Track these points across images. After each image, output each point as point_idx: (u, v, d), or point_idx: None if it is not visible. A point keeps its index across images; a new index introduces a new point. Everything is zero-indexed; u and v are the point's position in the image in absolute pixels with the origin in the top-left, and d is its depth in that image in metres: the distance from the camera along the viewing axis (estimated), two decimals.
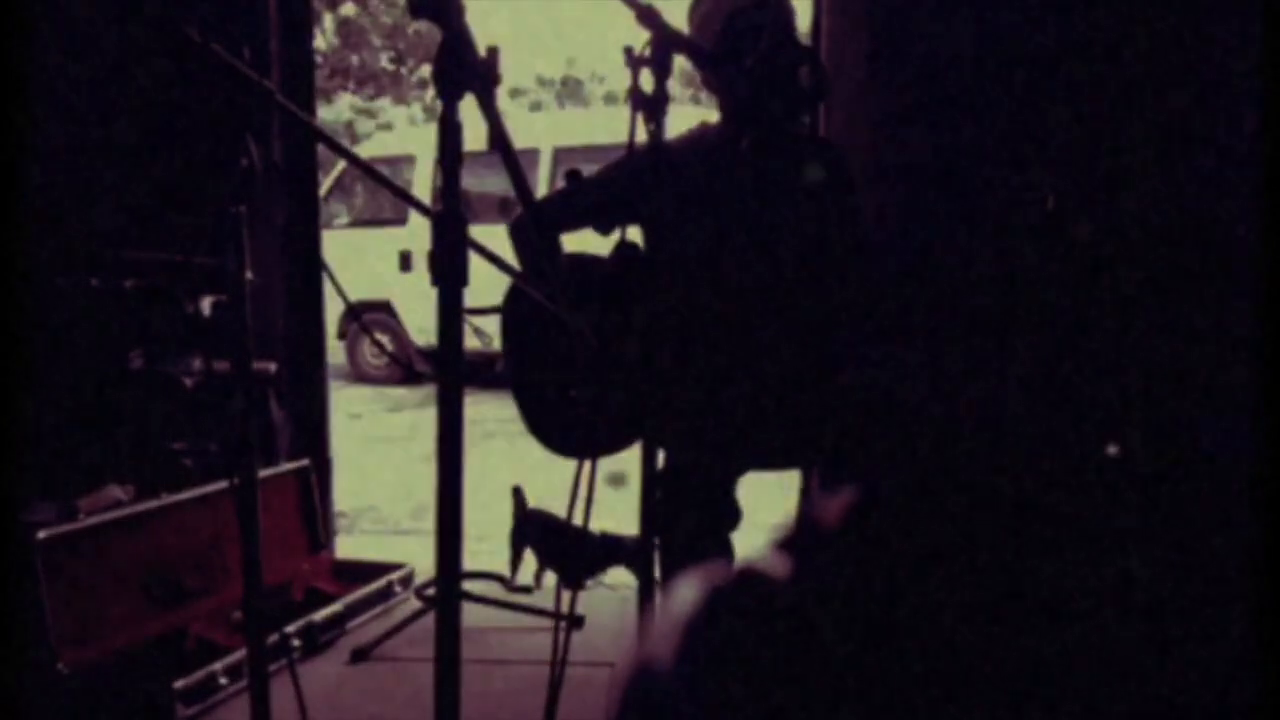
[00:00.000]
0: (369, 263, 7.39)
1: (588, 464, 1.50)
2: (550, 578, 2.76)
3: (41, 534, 2.08)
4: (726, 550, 1.94)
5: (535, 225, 2.02)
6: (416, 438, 6.12)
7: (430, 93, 6.43)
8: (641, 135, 1.41)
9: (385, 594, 2.83)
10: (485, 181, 7.12)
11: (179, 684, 2.09)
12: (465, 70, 1.10)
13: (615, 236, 1.98)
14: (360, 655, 2.49)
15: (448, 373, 1.15)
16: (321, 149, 5.63)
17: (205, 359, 2.68)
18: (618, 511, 2.16)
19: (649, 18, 1.38)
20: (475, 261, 1.19)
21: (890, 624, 0.47)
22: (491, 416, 6.02)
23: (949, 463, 0.55)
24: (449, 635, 1.17)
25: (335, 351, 7.34)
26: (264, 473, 2.57)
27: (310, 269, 3.11)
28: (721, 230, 2.02)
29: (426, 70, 13.95)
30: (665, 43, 1.39)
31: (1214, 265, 2.30)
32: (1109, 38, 2.57)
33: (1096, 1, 2.60)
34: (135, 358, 2.62)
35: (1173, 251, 2.34)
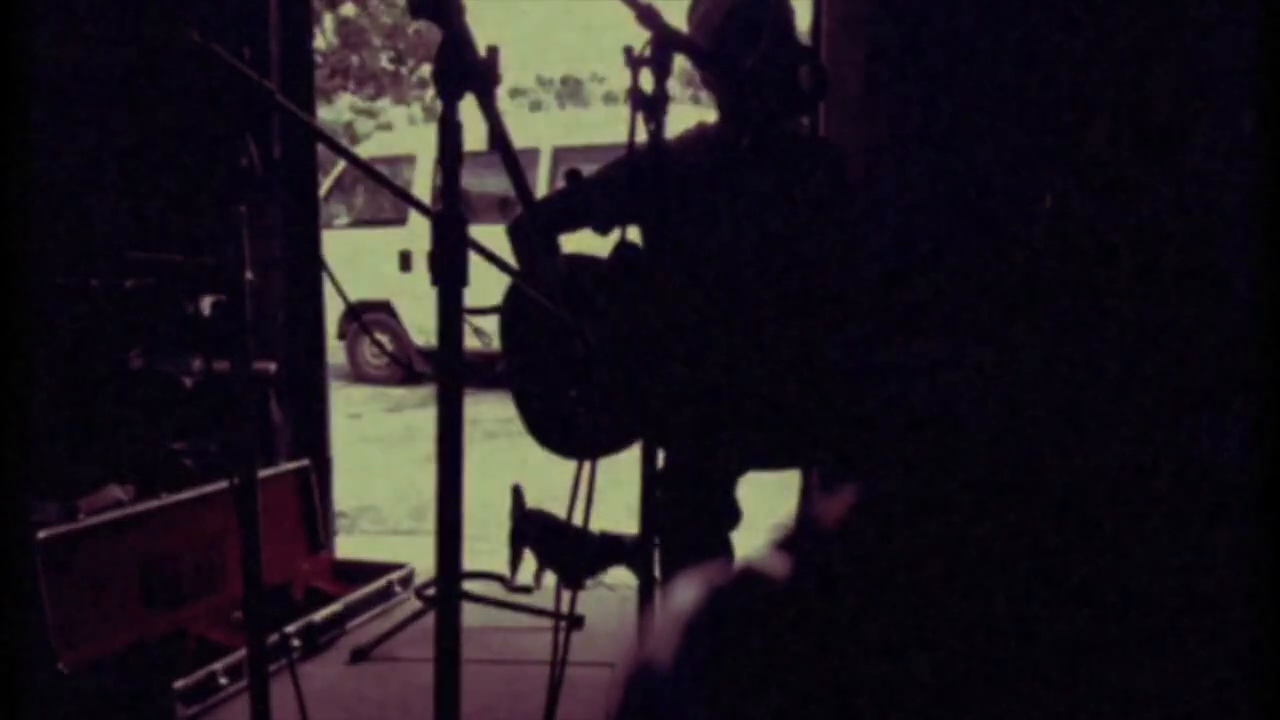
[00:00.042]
0: (369, 263, 7.39)
1: (588, 464, 1.50)
2: (550, 578, 2.76)
3: (41, 534, 2.08)
4: (726, 550, 1.95)
5: (534, 225, 2.02)
6: (416, 438, 6.12)
7: (430, 93, 6.43)
8: (641, 135, 1.42)
9: (385, 594, 2.83)
10: (485, 181, 7.12)
11: (179, 684, 2.09)
12: (465, 70, 1.10)
13: (615, 236, 1.98)
14: (360, 655, 2.49)
15: (448, 373, 1.15)
16: (321, 149, 5.64)
17: (205, 359, 2.68)
18: (618, 511, 2.16)
19: (649, 18, 1.38)
20: (475, 261, 1.19)
21: (890, 624, 0.47)
22: (491, 416, 6.02)
23: (949, 462, 0.55)
24: (449, 635, 1.17)
25: (335, 351, 7.34)
26: (264, 473, 2.57)
27: (310, 269, 3.11)
28: (720, 230, 2.02)
29: (426, 70, 13.93)
30: (665, 43, 1.40)
31: (1213, 265, 2.30)
32: (1108, 37, 2.57)
33: (1096, 1, 2.60)
34: (135, 358, 2.62)
35: (1172, 251, 2.34)
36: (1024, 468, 0.54)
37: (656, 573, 1.61)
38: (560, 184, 2.23)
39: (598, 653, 2.37)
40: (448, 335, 1.14)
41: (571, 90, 20.54)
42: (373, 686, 2.36)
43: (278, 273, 3.05)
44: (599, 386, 2.04)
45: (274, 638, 2.23)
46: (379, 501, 4.54)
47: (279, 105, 1.47)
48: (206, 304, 2.68)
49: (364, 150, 8.23)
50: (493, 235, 1.89)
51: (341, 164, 8.04)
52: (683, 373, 1.96)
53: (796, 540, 0.53)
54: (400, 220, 7.80)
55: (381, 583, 2.82)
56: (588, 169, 2.08)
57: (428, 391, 7.54)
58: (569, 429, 2.10)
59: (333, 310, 4.07)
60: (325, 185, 8.07)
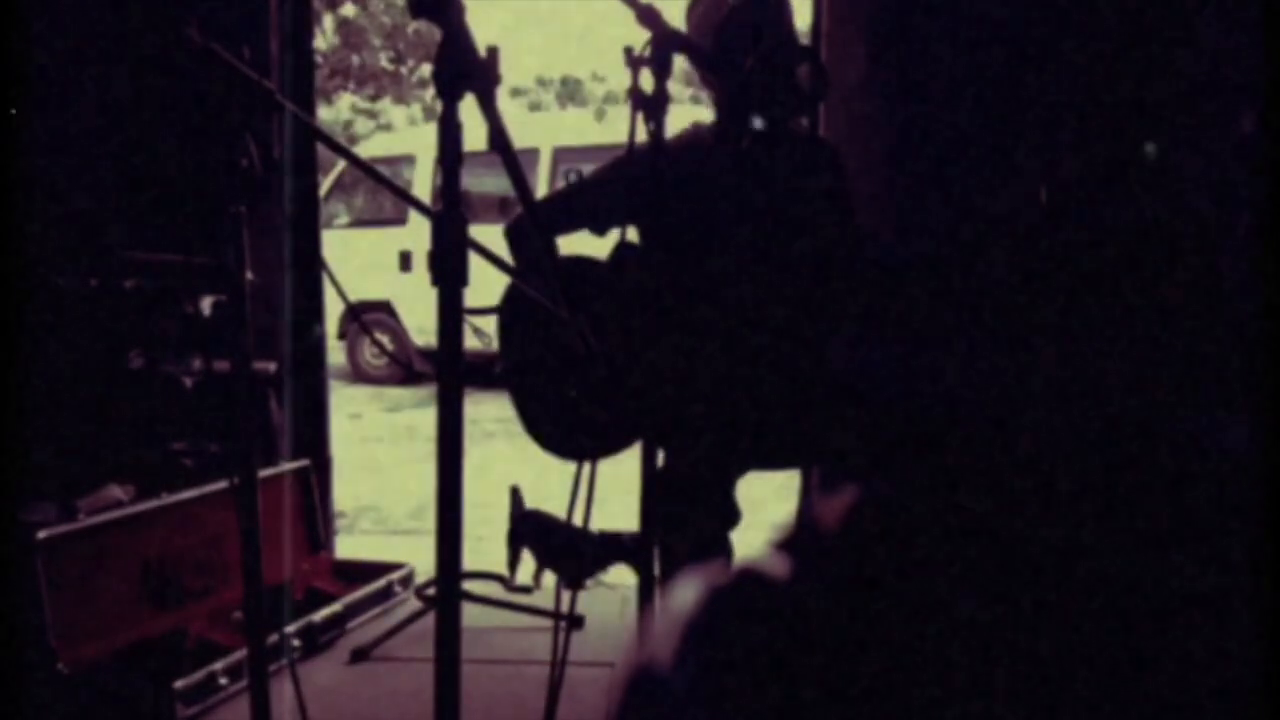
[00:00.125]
0: (369, 263, 7.39)
1: (588, 464, 1.50)
2: (550, 578, 2.75)
3: (41, 534, 2.07)
4: (726, 550, 1.95)
5: (533, 226, 2.02)
6: (416, 438, 6.12)
7: (430, 93, 6.42)
8: (642, 135, 1.42)
9: (385, 594, 2.83)
10: (485, 181, 7.12)
11: (179, 684, 2.09)
12: (465, 70, 1.10)
13: (614, 237, 1.98)
14: (360, 655, 2.49)
15: (448, 373, 1.15)
16: (321, 149, 5.63)
17: (205, 359, 2.68)
18: (619, 511, 2.16)
19: (649, 18, 1.38)
20: (475, 261, 1.19)
21: (890, 624, 0.47)
22: (491, 416, 6.02)
23: (949, 462, 0.55)
24: (449, 635, 1.17)
25: (335, 351, 7.34)
26: (264, 473, 2.57)
27: (310, 269, 3.11)
28: (719, 230, 2.01)
29: (426, 70, 13.92)
30: (665, 43, 1.40)
31: (1214, 264, 2.30)
32: (1106, 37, 2.57)
33: (1095, 1, 2.60)
34: (135, 358, 2.62)
35: (1172, 250, 2.34)
36: (1024, 468, 0.54)
37: (656, 572, 1.61)
38: (561, 184, 2.23)
39: (598, 653, 2.37)
40: (448, 335, 1.14)
41: (571, 90, 20.53)
42: (373, 686, 2.36)
43: (278, 273, 3.05)
44: (599, 387, 2.04)
45: (274, 638, 2.23)
46: (379, 501, 4.54)
47: (279, 105, 1.47)
48: (206, 304, 2.68)
49: (364, 150, 8.22)
50: (493, 235, 1.89)
51: (341, 164, 8.03)
52: (682, 373, 1.96)
53: (796, 540, 0.53)
54: (400, 220, 7.80)
55: (381, 583, 2.82)
56: (588, 169, 2.08)
57: (428, 391, 7.54)
58: (568, 429, 2.10)
59: (333, 310, 4.07)
60: (325, 185, 8.07)
